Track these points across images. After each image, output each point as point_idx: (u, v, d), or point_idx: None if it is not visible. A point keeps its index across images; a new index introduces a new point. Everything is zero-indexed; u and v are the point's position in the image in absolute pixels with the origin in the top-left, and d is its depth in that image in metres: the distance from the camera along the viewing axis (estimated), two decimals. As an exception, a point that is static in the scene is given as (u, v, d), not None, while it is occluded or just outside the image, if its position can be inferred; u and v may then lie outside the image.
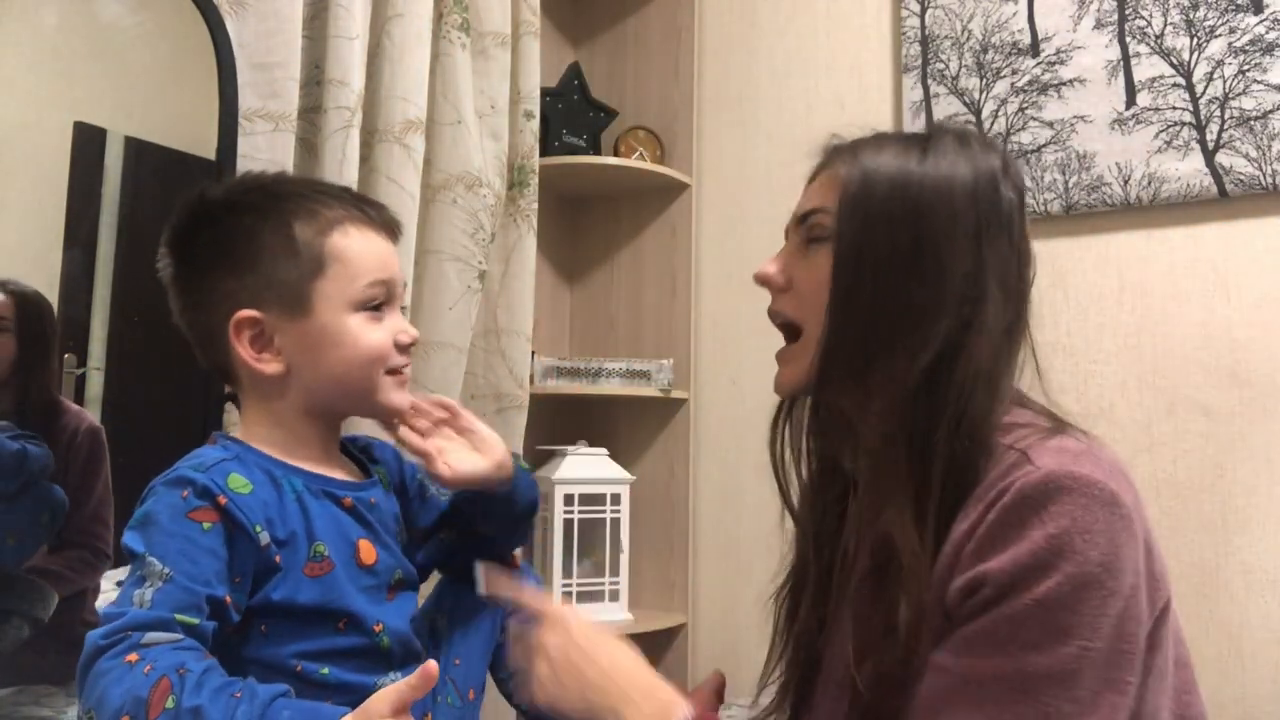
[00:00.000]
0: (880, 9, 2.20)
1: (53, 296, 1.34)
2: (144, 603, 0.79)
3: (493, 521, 1.06)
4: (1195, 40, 1.85)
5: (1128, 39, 1.91)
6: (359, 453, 1.04)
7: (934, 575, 0.80)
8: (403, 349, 0.96)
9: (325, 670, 0.88)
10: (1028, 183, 1.94)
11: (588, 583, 2.11)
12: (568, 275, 2.51)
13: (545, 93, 2.24)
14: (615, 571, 2.13)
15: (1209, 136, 1.82)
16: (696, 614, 2.29)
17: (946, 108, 2.07)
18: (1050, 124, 1.97)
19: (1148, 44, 1.89)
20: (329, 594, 0.89)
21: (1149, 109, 1.88)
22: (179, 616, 0.79)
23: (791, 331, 0.93)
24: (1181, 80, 1.85)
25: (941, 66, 2.08)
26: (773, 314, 0.95)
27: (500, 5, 2.02)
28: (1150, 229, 1.89)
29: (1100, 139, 1.91)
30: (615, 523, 2.13)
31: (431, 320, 1.84)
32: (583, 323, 2.50)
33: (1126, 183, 1.89)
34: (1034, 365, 0.91)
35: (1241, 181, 1.79)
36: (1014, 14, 2.02)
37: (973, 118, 2.04)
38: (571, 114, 2.35)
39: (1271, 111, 1.77)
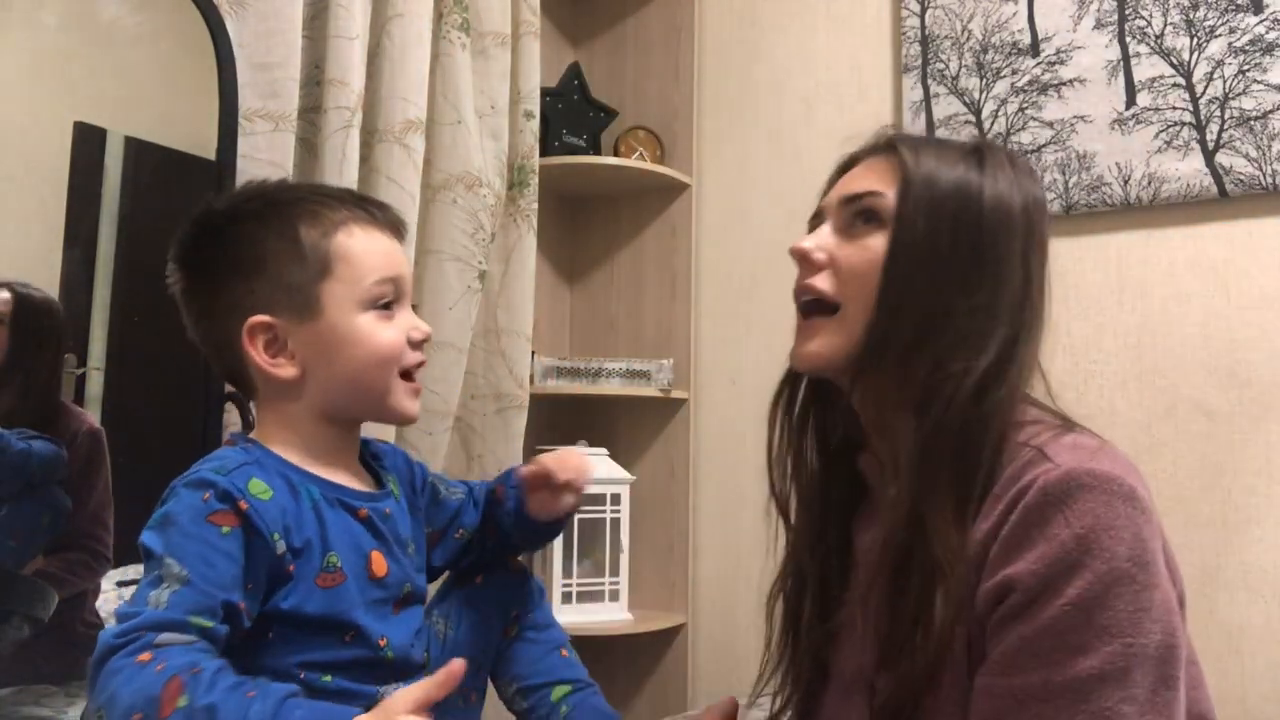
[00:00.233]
0: (880, 9, 2.20)
1: (53, 296, 1.34)
2: (160, 603, 0.78)
3: (525, 532, 1.10)
4: (1195, 40, 1.85)
5: (1128, 39, 1.91)
6: (371, 459, 1.04)
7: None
8: (416, 345, 0.96)
9: (328, 678, 0.88)
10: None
11: (588, 583, 2.11)
12: (568, 275, 2.51)
13: (545, 93, 2.24)
14: (615, 571, 2.13)
15: (1209, 136, 1.82)
16: (696, 614, 2.29)
17: (946, 108, 2.06)
18: (1050, 124, 1.96)
19: (1148, 44, 1.89)
20: (337, 606, 0.88)
21: (1149, 109, 1.88)
22: (194, 619, 0.78)
23: (822, 308, 0.91)
24: (1181, 80, 1.85)
25: (941, 66, 2.08)
26: (802, 289, 0.93)
27: (500, 5, 2.02)
28: (1150, 229, 1.88)
29: (1100, 139, 1.91)
30: (615, 523, 2.13)
31: (432, 320, 1.82)
32: (583, 323, 2.49)
33: (1126, 183, 1.89)
34: (1037, 365, 0.92)
35: (1241, 181, 1.79)
36: (1014, 14, 2.02)
37: (973, 118, 2.04)
38: (571, 114, 2.35)
39: (1271, 111, 1.77)
